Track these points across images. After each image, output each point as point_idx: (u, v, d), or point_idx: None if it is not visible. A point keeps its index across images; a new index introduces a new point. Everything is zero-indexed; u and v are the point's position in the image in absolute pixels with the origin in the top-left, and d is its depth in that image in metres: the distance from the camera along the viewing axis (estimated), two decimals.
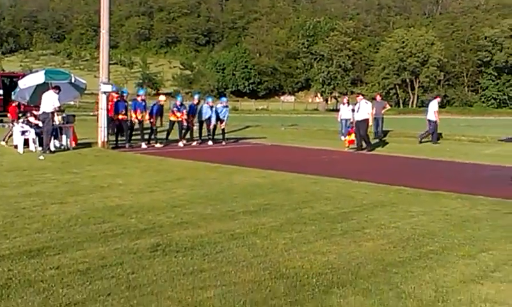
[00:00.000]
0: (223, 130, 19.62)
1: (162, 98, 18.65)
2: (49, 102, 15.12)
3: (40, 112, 15.24)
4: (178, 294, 4.60)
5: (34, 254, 5.58)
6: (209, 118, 18.90)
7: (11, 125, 17.34)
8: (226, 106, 19.99)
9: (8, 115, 19.93)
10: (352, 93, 79.91)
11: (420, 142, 21.64)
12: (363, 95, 19.76)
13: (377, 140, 21.18)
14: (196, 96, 19.75)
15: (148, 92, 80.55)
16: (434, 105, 22.24)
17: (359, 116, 18.11)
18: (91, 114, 23.76)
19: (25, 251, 5.68)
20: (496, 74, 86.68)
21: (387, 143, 20.96)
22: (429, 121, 22.06)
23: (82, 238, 6.22)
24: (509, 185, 11.23)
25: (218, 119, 19.31)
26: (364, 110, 18.12)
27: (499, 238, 6.75)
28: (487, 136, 24.19)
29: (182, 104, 18.68)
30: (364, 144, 18.33)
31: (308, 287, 4.87)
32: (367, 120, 18.14)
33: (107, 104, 16.79)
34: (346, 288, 4.87)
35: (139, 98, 17.39)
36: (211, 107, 19.01)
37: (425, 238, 6.64)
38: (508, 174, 12.14)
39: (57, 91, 15.44)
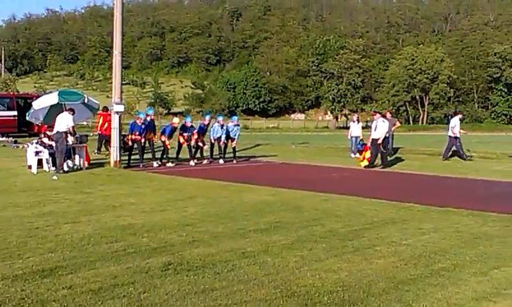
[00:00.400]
0: (234, 148, 19.68)
1: (175, 120, 18.68)
2: (63, 122, 15.33)
3: (54, 131, 15.40)
4: None
5: (47, 273, 5.63)
6: (220, 137, 18.98)
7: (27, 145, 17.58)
8: (238, 125, 20.06)
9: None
10: (362, 110, 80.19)
11: (446, 159, 21.45)
12: (380, 113, 19.82)
13: (388, 157, 21.12)
14: (207, 117, 19.81)
15: (160, 112, 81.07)
16: (456, 122, 22.16)
17: (376, 134, 18.19)
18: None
19: (38, 270, 5.74)
20: (506, 90, 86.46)
21: (398, 160, 20.90)
22: (450, 137, 21.95)
23: (94, 257, 6.27)
24: None
25: (229, 137, 19.39)
26: (381, 128, 18.23)
27: (511, 255, 6.71)
28: (498, 152, 24.04)
29: (192, 126, 18.66)
30: (380, 161, 18.37)
31: (319, 305, 4.88)
32: (384, 139, 18.23)
33: (101, 122, 17.18)
34: (358, 306, 4.88)
35: (138, 121, 17.35)
36: (222, 126, 19.10)
37: (437, 255, 6.62)
38: None
39: (71, 113, 15.69)
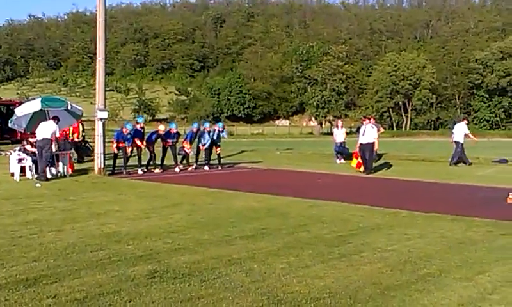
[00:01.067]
0: (219, 155, 19.70)
1: (161, 127, 18.60)
2: (49, 129, 15.28)
3: (39, 138, 15.21)
4: None
5: (31, 283, 5.56)
6: (205, 143, 19.01)
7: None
8: (222, 131, 20.07)
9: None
10: (346, 116, 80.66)
11: (455, 164, 21.63)
12: (369, 119, 20.07)
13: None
14: (195, 125, 19.69)
15: (145, 118, 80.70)
16: (463, 128, 22.37)
17: (364, 139, 18.32)
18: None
19: (22, 279, 5.66)
20: (487, 96, 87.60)
21: (382, 166, 21.03)
22: (457, 142, 22.13)
23: (79, 266, 6.21)
24: (504, 206, 11.29)
25: (213, 144, 19.40)
26: (370, 134, 18.40)
27: (495, 259, 6.77)
28: (480, 157, 24.30)
29: (177, 132, 18.69)
30: (364, 167, 18.51)
31: None
32: (372, 144, 18.37)
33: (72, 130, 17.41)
34: None
35: (124, 131, 17.23)
36: (209, 132, 19.11)
37: (422, 260, 6.65)
38: (501, 195, 12.20)
39: (56, 122, 15.62)
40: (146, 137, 17.92)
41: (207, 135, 18.99)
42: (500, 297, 5.35)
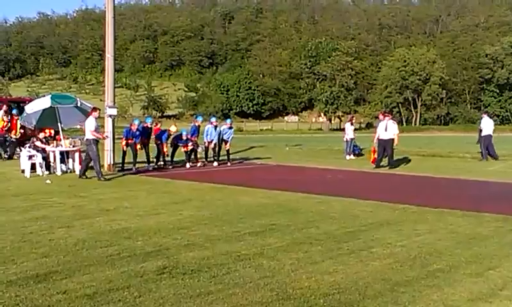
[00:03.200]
0: (228, 151, 19.65)
1: (172, 129, 18.60)
2: (87, 128, 14.69)
3: (85, 139, 14.85)
4: None
5: (41, 279, 5.59)
6: (213, 139, 18.93)
7: None
8: (231, 127, 20.03)
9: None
10: (355, 112, 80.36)
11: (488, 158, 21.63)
12: (389, 114, 20.28)
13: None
14: (199, 119, 19.67)
15: (154, 115, 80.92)
16: (491, 122, 22.32)
17: (386, 135, 18.47)
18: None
19: (32, 275, 5.69)
20: (498, 91, 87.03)
21: (401, 161, 20.89)
22: (486, 136, 22.04)
23: (89, 262, 6.24)
24: None
25: (223, 140, 19.37)
26: (392, 129, 18.50)
27: (506, 255, 6.74)
28: None
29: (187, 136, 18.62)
30: (387, 162, 18.68)
31: None
32: (393, 140, 18.50)
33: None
34: None
35: (132, 127, 17.25)
36: (215, 127, 19.07)
37: (432, 256, 6.63)
38: None
39: (96, 115, 14.99)
40: (157, 134, 17.98)
41: (213, 131, 18.89)
42: (511, 293, 5.32)
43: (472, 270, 6.07)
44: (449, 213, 9.67)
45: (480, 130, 22.26)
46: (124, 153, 17.22)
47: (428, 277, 5.77)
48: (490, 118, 21.35)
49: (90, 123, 14.70)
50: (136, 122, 17.51)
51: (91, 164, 14.71)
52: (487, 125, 21.87)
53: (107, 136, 16.04)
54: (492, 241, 7.50)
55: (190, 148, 18.45)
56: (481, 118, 23.04)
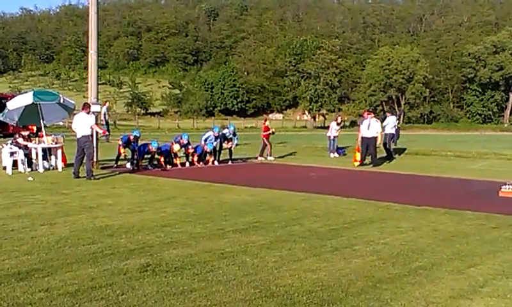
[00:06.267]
0: (230, 149, 19.32)
1: (176, 147, 17.58)
2: (87, 124, 14.39)
3: (79, 136, 14.28)
4: None
5: (23, 276, 5.54)
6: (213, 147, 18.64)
7: None
8: (235, 134, 19.45)
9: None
10: (339, 110, 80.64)
11: None
12: (373, 113, 20.38)
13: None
14: (216, 129, 19.10)
15: (138, 112, 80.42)
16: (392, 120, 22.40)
17: (369, 133, 18.54)
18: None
19: (14, 273, 5.64)
20: (480, 90, 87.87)
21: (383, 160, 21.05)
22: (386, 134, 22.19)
23: (71, 259, 6.19)
24: (496, 199, 11.35)
25: (225, 138, 19.12)
26: (375, 128, 18.60)
27: (487, 253, 6.82)
28: (473, 151, 24.41)
29: (188, 142, 18.16)
30: (370, 160, 18.78)
31: (298, 305, 4.88)
32: (376, 138, 18.61)
33: None
34: (336, 305, 4.89)
35: (131, 137, 17.06)
36: (216, 138, 18.63)
37: (415, 253, 6.68)
38: (494, 188, 12.26)
39: (88, 111, 14.60)
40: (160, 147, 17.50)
41: (213, 139, 18.45)
42: (491, 290, 5.39)
43: (454, 267, 6.13)
44: (432, 211, 9.76)
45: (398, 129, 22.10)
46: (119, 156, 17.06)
47: (410, 274, 5.82)
48: (394, 115, 20.74)
49: (89, 119, 14.49)
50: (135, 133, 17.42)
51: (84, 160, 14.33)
52: (389, 124, 21.11)
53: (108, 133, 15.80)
54: (473, 239, 7.58)
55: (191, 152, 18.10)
56: (385, 117, 22.44)
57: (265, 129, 21.42)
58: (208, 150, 18.52)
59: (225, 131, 19.32)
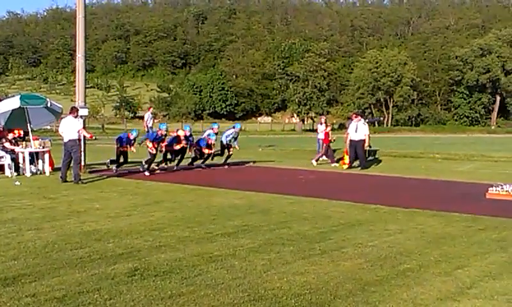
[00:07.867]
0: (229, 155, 19.37)
1: (181, 132, 17.71)
2: (74, 128, 14.29)
3: (66, 140, 14.15)
4: None
5: (9, 282, 5.50)
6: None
7: None
8: (236, 136, 19.58)
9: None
10: (328, 112, 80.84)
11: None
12: (361, 115, 20.36)
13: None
14: (215, 126, 19.36)
15: (126, 115, 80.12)
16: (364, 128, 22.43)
17: (357, 136, 18.60)
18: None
19: (0, 279, 5.60)
20: (467, 93, 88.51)
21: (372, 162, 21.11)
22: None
23: (58, 264, 6.15)
24: (483, 201, 11.44)
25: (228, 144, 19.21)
26: (362, 131, 18.67)
27: (474, 254, 6.86)
28: (460, 153, 24.58)
29: (191, 134, 18.18)
30: (358, 163, 18.80)
31: None
32: (364, 140, 18.64)
33: None
34: None
35: (159, 132, 17.02)
36: (216, 134, 18.77)
37: (402, 256, 6.71)
38: (481, 191, 12.35)
39: (75, 115, 14.48)
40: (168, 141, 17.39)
41: (214, 136, 18.51)
42: (479, 291, 5.42)
43: (441, 269, 6.17)
44: (419, 213, 9.81)
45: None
46: (118, 158, 16.95)
47: (398, 277, 5.85)
48: (366, 122, 20.24)
49: (76, 123, 14.42)
50: (163, 127, 17.35)
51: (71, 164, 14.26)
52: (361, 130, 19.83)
53: (95, 138, 15.69)
54: (461, 240, 7.63)
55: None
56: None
57: (325, 135, 20.69)
58: (212, 142, 18.46)
59: (230, 131, 19.30)
